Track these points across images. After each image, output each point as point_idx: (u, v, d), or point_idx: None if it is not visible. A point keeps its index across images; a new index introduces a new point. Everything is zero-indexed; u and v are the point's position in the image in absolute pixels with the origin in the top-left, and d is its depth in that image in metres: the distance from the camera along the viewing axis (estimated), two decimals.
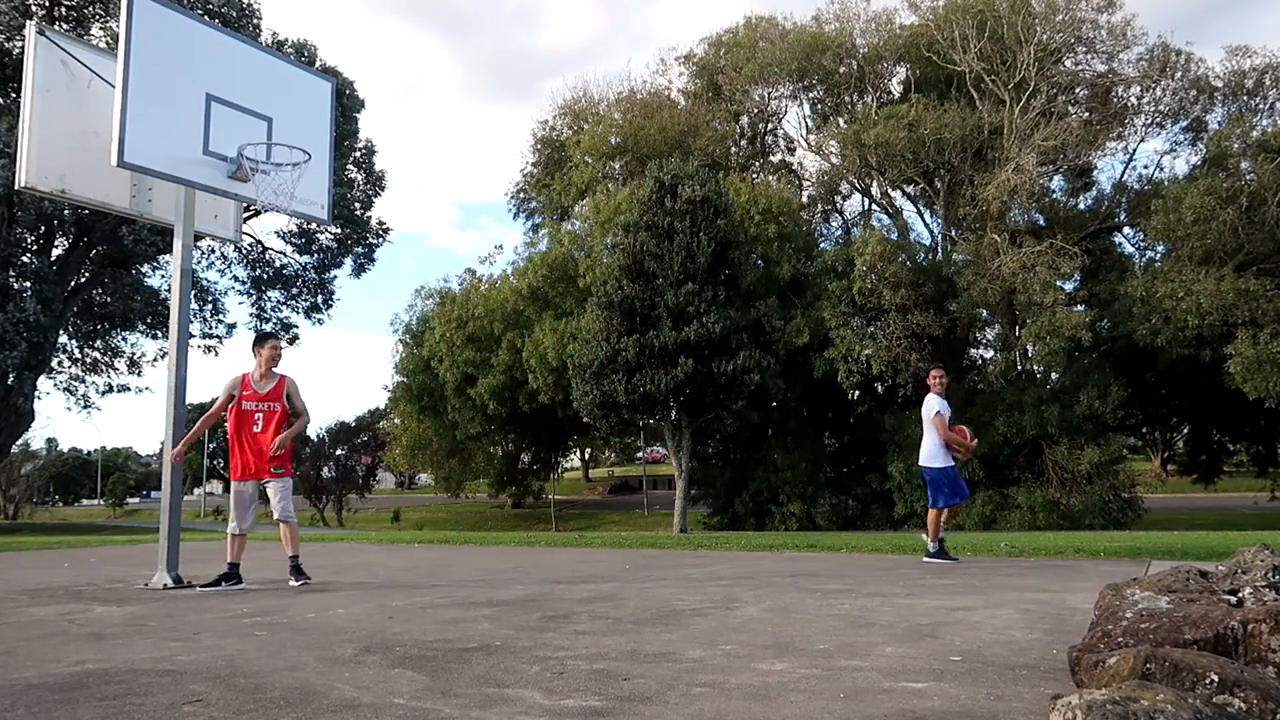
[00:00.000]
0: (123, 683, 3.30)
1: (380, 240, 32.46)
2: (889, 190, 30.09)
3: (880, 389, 27.88)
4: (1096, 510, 22.97)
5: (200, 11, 21.40)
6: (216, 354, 34.15)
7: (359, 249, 32.16)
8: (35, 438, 65.51)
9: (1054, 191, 27.72)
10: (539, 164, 35.36)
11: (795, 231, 27.53)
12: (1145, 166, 29.20)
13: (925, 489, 8.22)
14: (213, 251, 30.88)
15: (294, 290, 32.01)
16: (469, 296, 30.92)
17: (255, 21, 25.97)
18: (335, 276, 32.31)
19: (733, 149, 32.11)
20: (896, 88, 30.18)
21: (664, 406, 22.10)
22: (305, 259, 31.87)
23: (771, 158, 33.94)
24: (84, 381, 32.32)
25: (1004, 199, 24.09)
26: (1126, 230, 28.76)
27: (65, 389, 32.23)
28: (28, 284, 24.93)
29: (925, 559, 7.74)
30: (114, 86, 6.29)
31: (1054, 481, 23.78)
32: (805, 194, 32.05)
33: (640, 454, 55.74)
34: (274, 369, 6.74)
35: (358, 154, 30.34)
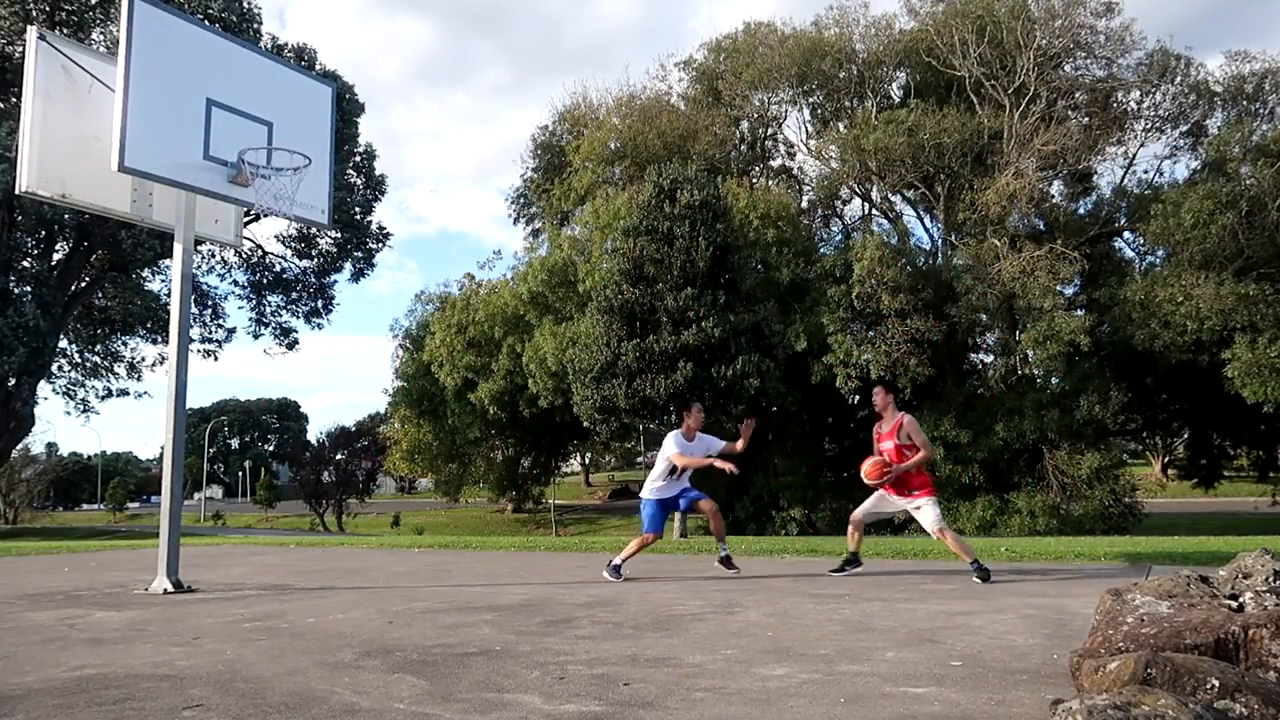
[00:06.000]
0: (123, 688, 3.29)
1: (380, 245, 32.56)
2: (889, 195, 30.11)
3: None
4: (1097, 515, 22.95)
5: (201, 16, 21.44)
6: (216, 358, 34.18)
7: (358, 253, 32.24)
8: (35, 442, 65.55)
9: (1053, 196, 27.70)
10: (539, 169, 35.39)
11: (795, 236, 27.51)
12: (1145, 171, 29.20)
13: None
14: (213, 256, 30.96)
15: (294, 295, 32.09)
16: (469, 301, 30.91)
17: (255, 26, 26.06)
18: (335, 281, 32.44)
19: (732, 154, 32.13)
20: (896, 93, 30.23)
21: (664, 411, 22.07)
22: (305, 263, 31.96)
23: (771, 162, 34.00)
24: (84, 386, 32.39)
25: (1003, 204, 24.12)
26: (1126, 235, 28.77)
27: (65, 393, 32.32)
28: (28, 288, 24.99)
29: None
30: (114, 91, 6.29)
31: (1054, 486, 23.76)
32: (805, 199, 32.10)
33: (640, 458, 55.62)
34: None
35: (358, 158, 30.42)
